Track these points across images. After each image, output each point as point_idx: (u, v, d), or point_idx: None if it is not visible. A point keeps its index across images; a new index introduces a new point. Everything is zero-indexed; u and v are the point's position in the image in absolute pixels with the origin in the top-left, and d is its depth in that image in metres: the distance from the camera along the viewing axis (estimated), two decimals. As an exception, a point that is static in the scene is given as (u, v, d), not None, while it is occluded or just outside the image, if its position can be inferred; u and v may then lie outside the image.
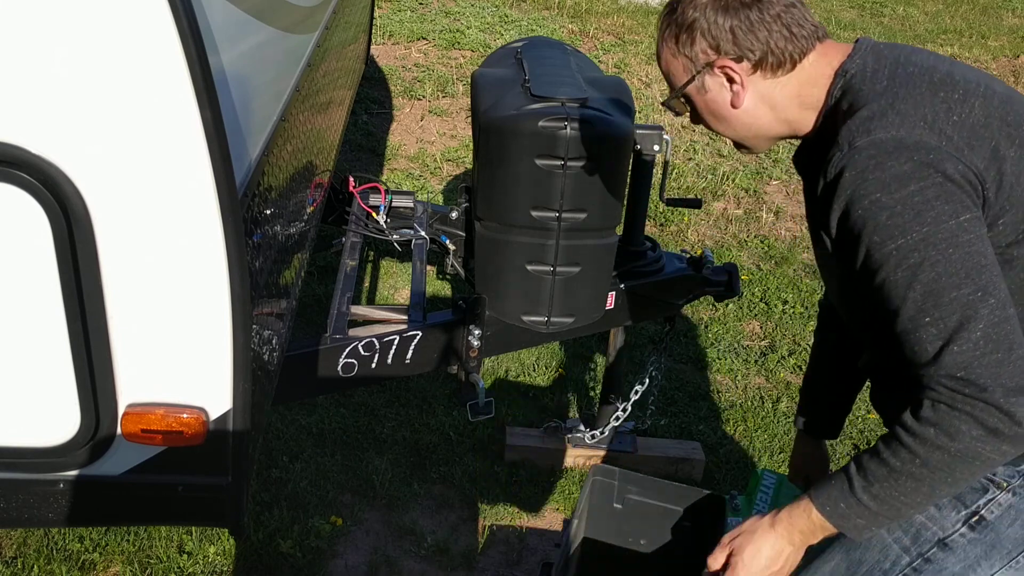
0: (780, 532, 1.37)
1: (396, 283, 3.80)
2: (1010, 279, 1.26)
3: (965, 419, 1.17)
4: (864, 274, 1.26)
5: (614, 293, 2.51)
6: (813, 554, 1.54)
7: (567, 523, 1.68)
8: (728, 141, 1.50)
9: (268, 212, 1.69)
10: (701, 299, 2.86)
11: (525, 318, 2.41)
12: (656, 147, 2.49)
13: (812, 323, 3.78)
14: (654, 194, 2.71)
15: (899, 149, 1.21)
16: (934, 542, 1.41)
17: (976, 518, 1.38)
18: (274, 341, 1.80)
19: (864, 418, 3.21)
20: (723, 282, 2.67)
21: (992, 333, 1.17)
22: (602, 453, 2.88)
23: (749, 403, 3.27)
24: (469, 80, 3.65)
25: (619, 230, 2.45)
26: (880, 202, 1.20)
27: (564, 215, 2.26)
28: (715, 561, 1.45)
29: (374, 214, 2.76)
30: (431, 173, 4.80)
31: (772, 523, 1.38)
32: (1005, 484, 1.37)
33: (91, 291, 1.40)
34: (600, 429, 2.87)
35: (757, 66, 1.34)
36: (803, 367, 3.49)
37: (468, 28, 6.87)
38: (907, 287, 1.20)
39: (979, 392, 1.16)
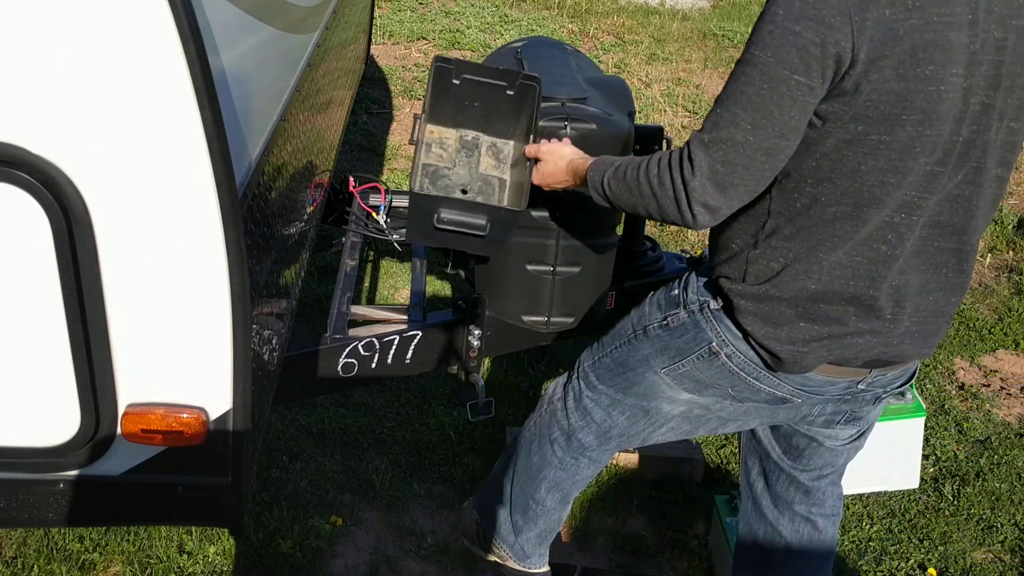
0: (569, 168, 1.86)
1: (396, 283, 3.80)
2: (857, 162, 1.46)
3: (672, 182, 1.53)
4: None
5: (614, 293, 2.51)
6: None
7: (415, 116, 2.16)
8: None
9: (268, 212, 1.69)
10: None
11: (525, 318, 2.41)
12: (656, 147, 2.49)
13: (812, 323, 3.78)
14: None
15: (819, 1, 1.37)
16: (642, 327, 1.84)
17: (665, 322, 1.79)
18: (274, 341, 1.80)
19: (864, 418, 3.21)
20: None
21: (732, 156, 1.46)
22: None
23: (749, 403, 3.27)
24: (469, 80, 3.64)
25: (619, 230, 2.45)
26: (776, 16, 1.39)
27: (564, 215, 2.26)
28: (530, 151, 1.97)
29: (374, 214, 2.76)
30: (431, 173, 4.80)
31: (572, 159, 1.86)
32: (687, 306, 1.75)
33: (91, 291, 1.40)
34: (600, 429, 2.87)
35: None
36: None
37: (468, 28, 6.88)
38: (731, 79, 1.47)
39: (690, 175, 1.50)
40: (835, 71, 1.38)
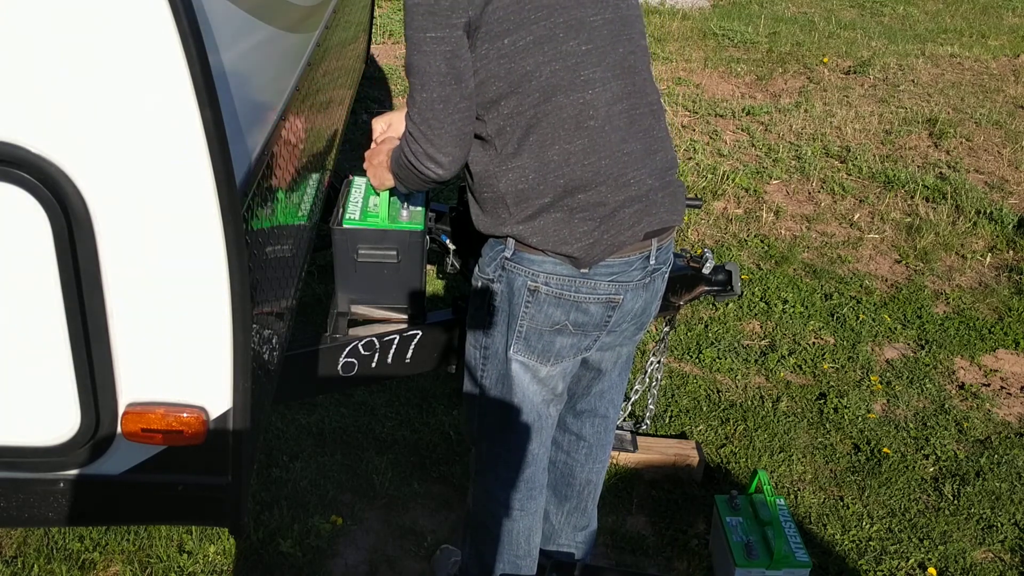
0: (382, 162, 1.97)
1: (396, 283, 3.80)
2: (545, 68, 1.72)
3: (411, 151, 1.77)
4: None
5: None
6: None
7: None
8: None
9: (268, 212, 1.70)
10: (701, 299, 2.86)
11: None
12: None
13: (812, 322, 3.78)
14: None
15: None
16: (480, 325, 1.96)
17: (489, 308, 1.92)
18: (274, 340, 1.80)
19: (864, 418, 3.21)
20: (723, 282, 2.67)
21: (425, 115, 1.72)
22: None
23: (749, 403, 3.27)
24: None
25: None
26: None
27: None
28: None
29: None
30: (431, 173, 4.80)
31: (386, 157, 1.94)
32: (492, 279, 1.89)
33: (91, 290, 1.40)
34: (600, 429, 2.86)
35: None
36: (803, 366, 3.50)
37: (468, 28, 6.86)
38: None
39: (413, 142, 1.76)
40: (463, 7, 1.65)
